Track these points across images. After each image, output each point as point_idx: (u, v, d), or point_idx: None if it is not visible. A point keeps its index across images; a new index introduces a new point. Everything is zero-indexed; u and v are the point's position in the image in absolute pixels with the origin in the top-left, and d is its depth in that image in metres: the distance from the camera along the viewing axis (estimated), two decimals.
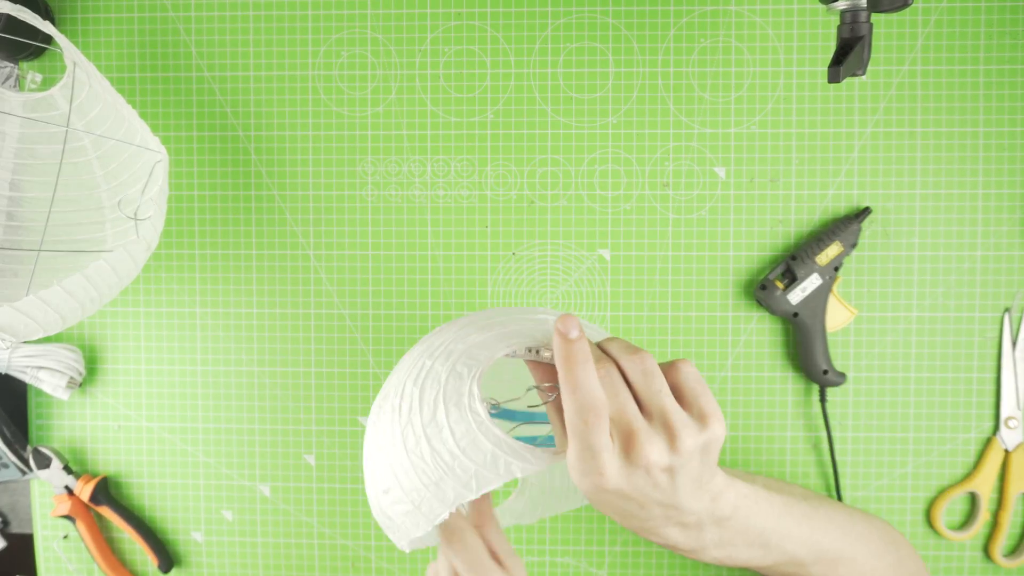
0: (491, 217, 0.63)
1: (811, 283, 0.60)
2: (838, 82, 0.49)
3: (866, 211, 0.60)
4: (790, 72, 0.61)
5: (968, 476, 0.61)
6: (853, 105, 0.61)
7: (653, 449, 0.38)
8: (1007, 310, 0.61)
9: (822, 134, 0.61)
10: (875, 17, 0.50)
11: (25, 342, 0.62)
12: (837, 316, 0.61)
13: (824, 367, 0.60)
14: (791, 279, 0.60)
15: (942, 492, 0.62)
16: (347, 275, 0.64)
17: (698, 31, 0.61)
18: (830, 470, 0.62)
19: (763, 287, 0.61)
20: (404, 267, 0.63)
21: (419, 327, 0.63)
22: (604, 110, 0.62)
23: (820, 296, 0.60)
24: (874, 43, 0.60)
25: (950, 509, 0.62)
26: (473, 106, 0.63)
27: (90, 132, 0.60)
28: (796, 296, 0.60)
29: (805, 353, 0.61)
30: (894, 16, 0.60)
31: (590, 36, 0.62)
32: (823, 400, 0.61)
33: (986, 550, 0.62)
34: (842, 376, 0.61)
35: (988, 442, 0.61)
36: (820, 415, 0.62)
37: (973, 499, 0.62)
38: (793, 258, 0.60)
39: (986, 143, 0.61)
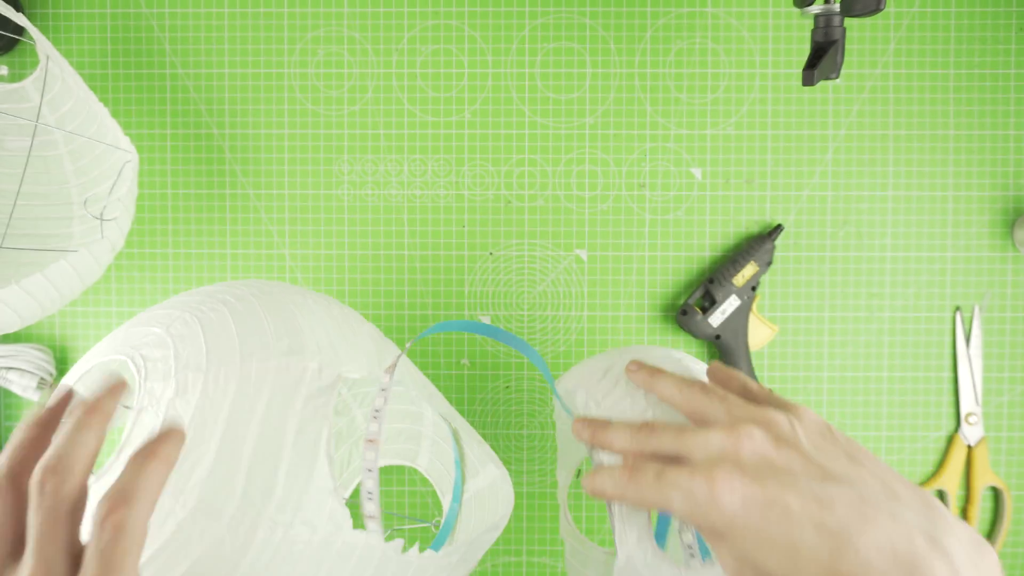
0: (468, 217, 0.63)
1: (730, 304, 0.61)
2: (812, 85, 0.50)
3: (778, 228, 0.61)
4: (765, 74, 0.62)
5: (935, 474, 0.62)
6: (827, 108, 0.62)
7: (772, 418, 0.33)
8: (957, 309, 0.62)
9: (796, 136, 0.62)
10: (848, 21, 0.50)
11: None
12: (759, 334, 0.62)
13: None
14: (711, 302, 0.61)
15: None
16: (323, 275, 0.63)
17: (675, 32, 0.62)
18: None
19: (684, 312, 0.61)
20: (380, 267, 0.63)
21: (395, 327, 0.63)
22: (581, 110, 0.62)
23: (740, 316, 0.61)
24: (847, 47, 0.61)
25: None
26: (450, 105, 0.63)
27: (62, 128, 0.59)
28: (717, 319, 0.61)
29: None
30: (867, 21, 0.61)
31: (567, 36, 0.62)
32: None
33: None
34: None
35: (951, 439, 0.62)
36: None
37: (941, 496, 0.63)
38: (711, 281, 0.61)
39: (956, 146, 0.62)
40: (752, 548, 0.30)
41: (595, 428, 0.38)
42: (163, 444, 0.29)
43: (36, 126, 0.57)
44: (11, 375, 0.62)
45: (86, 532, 0.27)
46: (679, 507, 0.32)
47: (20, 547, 0.27)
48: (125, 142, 0.55)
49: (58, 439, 0.29)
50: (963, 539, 0.29)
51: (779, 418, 0.33)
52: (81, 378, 0.39)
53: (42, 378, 0.62)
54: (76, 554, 0.27)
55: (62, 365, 0.64)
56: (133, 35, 0.63)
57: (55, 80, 0.58)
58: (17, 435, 0.30)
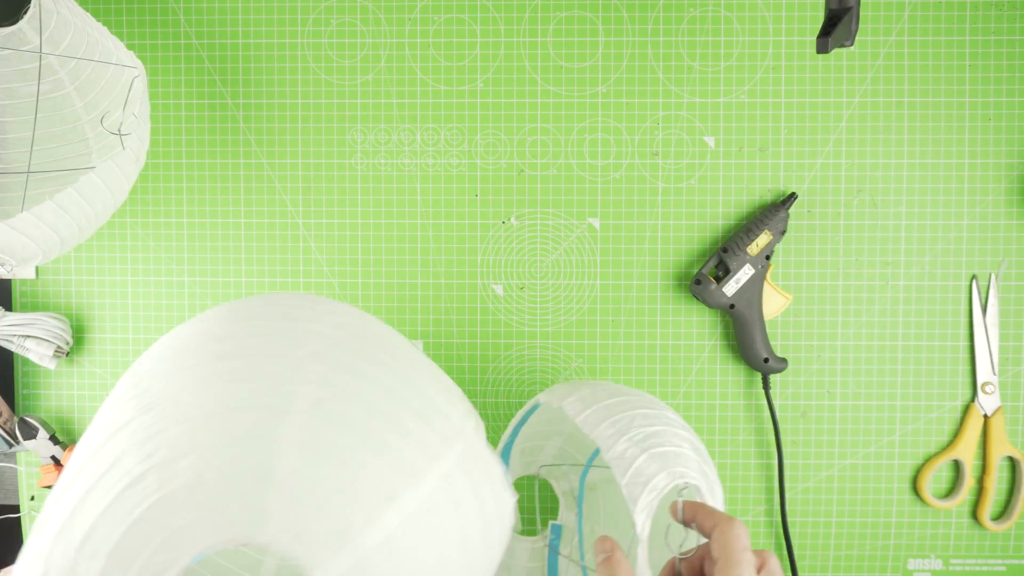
0: (481, 186, 0.63)
1: (744, 274, 0.61)
2: (826, 52, 0.49)
3: (792, 197, 0.61)
4: (779, 42, 0.62)
5: (951, 444, 0.62)
6: (841, 75, 0.62)
7: None
8: (974, 277, 0.62)
9: (811, 103, 0.62)
10: None
11: (21, 277, 0.61)
12: (773, 303, 0.61)
13: (765, 355, 0.61)
14: (725, 271, 0.61)
15: (928, 460, 0.62)
16: (336, 244, 0.64)
17: (687, 0, 0.62)
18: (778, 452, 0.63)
19: (698, 281, 0.61)
20: (394, 236, 0.63)
21: (408, 296, 0.63)
22: (594, 79, 0.62)
23: (754, 286, 0.61)
24: (862, 14, 0.61)
25: (936, 477, 0.63)
26: (463, 75, 0.63)
27: (65, 62, 0.58)
28: (731, 288, 0.61)
29: (745, 342, 0.61)
30: None
31: (580, 4, 0.62)
32: (767, 388, 0.62)
33: (974, 515, 0.62)
34: (783, 362, 0.61)
35: (967, 409, 0.62)
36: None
37: (957, 466, 0.62)
38: (724, 250, 0.61)
39: (972, 112, 0.61)
40: None
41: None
42: None
43: (40, 67, 0.57)
44: (28, 343, 0.62)
45: None
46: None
47: None
48: (128, 57, 0.55)
49: None
50: None
51: None
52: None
53: (58, 346, 0.63)
54: None
55: (78, 334, 0.65)
56: (148, 6, 0.63)
57: (50, 15, 0.57)
58: None
